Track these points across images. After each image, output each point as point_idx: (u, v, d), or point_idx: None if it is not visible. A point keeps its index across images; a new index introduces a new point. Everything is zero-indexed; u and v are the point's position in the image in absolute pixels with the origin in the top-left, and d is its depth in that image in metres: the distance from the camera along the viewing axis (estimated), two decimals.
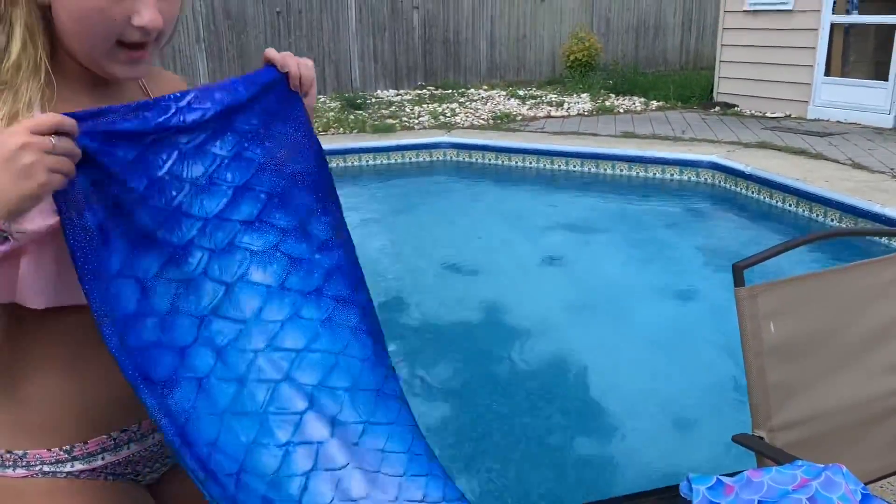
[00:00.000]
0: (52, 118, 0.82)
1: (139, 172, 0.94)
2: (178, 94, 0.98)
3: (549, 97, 10.89)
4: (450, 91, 11.98)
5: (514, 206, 6.78)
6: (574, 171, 7.39)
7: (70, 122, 0.84)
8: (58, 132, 0.83)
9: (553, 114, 9.68)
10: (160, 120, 0.95)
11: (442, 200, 6.99)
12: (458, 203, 6.92)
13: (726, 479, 1.02)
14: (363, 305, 1.09)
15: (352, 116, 9.43)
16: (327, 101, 11.08)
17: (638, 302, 4.58)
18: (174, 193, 0.97)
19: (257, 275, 1.01)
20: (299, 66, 1.07)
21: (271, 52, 1.05)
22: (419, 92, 12.09)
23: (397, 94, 11.90)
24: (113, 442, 1.02)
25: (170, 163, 0.97)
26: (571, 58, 12.26)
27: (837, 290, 1.61)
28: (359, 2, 12.04)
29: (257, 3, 11.33)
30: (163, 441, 1.08)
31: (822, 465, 1.04)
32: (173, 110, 0.96)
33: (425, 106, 10.39)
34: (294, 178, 1.07)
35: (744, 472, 1.03)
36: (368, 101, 10.86)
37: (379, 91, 12.21)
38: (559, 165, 7.47)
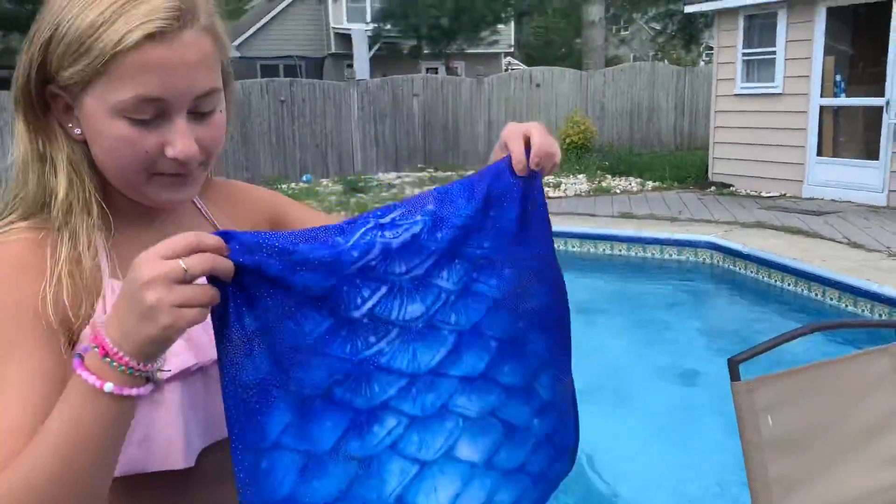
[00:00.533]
0: (185, 238, 0.71)
1: (322, 311, 0.74)
2: (381, 211, 0.79)
3: (546, 178, 11.07)
4: (449, 173, 12.21)
5: None
6: (573, 252, 7.47)
7: (214, 241, 0.71)
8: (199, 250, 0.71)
9: (550, 195, 9.84)
10: (358, 245, 0.75)
11: None
12: None
13: None
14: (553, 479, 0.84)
15: (353, 199, 9.60)
16: (329, 185, 11.28)
17: (640, 385, 4.57)
18: (372, 340, 0.76)
19: (465, 450, 0.79)
20: (529, 134, 0.94)
21: (508, 131, 0.94)
22: (419, 174, 12.32)
23: (398, 177, 12.13)
24: None
25: (374, 300, 0.76)
26: (567, 140, 12.54)
27: (833, 382, 1.64)
28: (360, 90, 12.41)
29: (263, 92, 11.67)
30: None
31: None
32: (375, 231, 0.76)
33: (425, 188, 10.56)
34: (531, 317, 0.87)
35: None
36: (370, 185, 11.06)
37: (380, 174, 12.44)
38: (558, 246, 7.50)
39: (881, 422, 1.66)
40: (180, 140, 0.82)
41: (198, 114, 0.84)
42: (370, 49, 18.89)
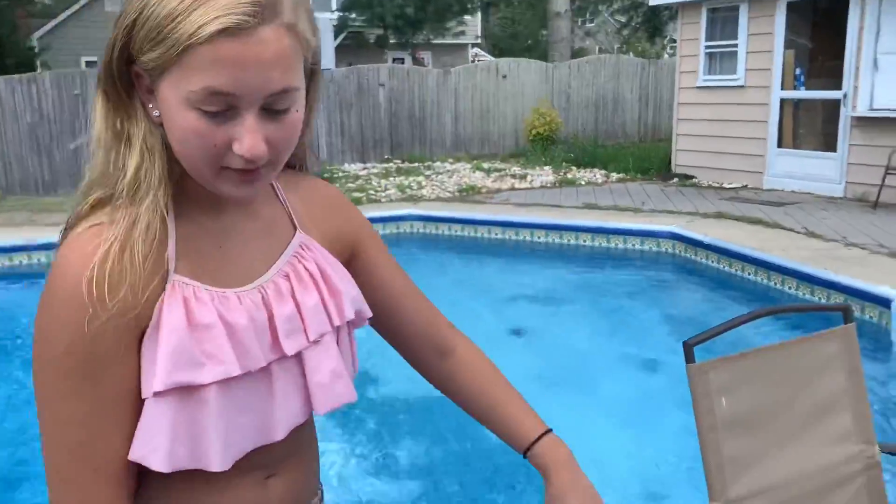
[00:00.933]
0: None
1: None
2: None
3: (512, 169, 11.14)
4: (416, 164, 12.19)
5: (480, 278, 6.84)
6: (538, 243, 7.52)
7: None
8: None
9: (517, 186, 9.89)
10: None
11: (409, 272, 7.04)
12: (424, 274, 6.96)
13: None
14: None
15: None
16: None
17: (603, 372, 4.63)
18: None
19: None
20: None
21: None
22: (385, 165, 12.29)
23: (364, 168, 12.08)
24: None
25: None
26: (533, 132, 12.60)
27: (784, 364, 1.68)
28: (326, 79, 12.32)
29: None
30: None
31: None
32: None
33: (391, 179, 10.55)
34: None
35: None
36: (335, 175, 11.00)
37: (346, 164, 12.38)
38: (524, 237, 7.60)
39: (830, 402, 1.71)
40: (248, 137, 0.80)
41: (271, 111, 0.82)
42: (335, 38, 18.74)
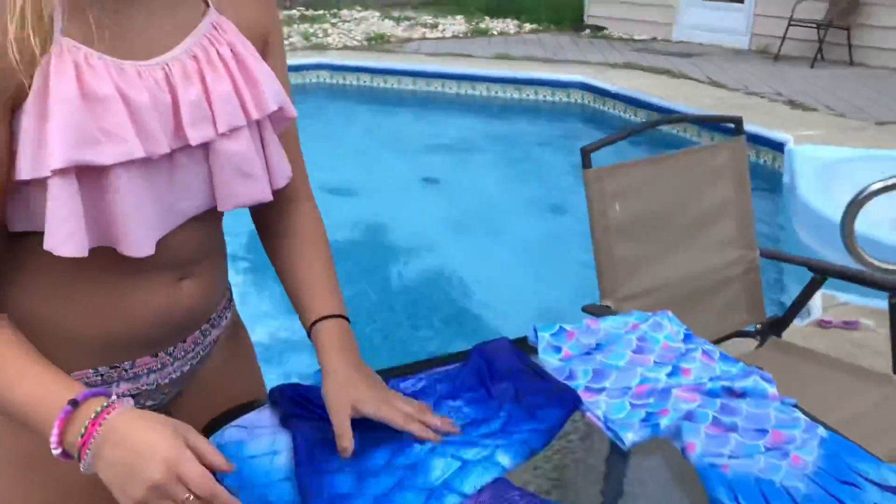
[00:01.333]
0: (210, 456, 0.73)
1: None
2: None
3: (423, 18, 10.78)
4: (321, 12, 11.63)
5: (391, 128, 6.75)
6: (450, 93, 7.41)
7: (220, 461, 0.74)
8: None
9: (428, 35, 9.61)
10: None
11: (316, 123, 6.86)
12: (332, 125, 6.81)
13: (568, 326, 1.11)
14: None
15: None
16: None
17: (511, 216, 4.73)
18: None
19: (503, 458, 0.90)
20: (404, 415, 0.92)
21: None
22: (289, 13, 11.66)
23: None
24: (100, 378, 0.89)
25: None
26: None
27: (675, 172, 1.74)
28: None
29: None
30: (158, 383, 0.95)
31: (652, 313, 1.15)
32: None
33: (296, 27, 10.05)
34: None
35: (584, 321, 1.12)
36: None
37: None
38: (435, 87, 7.47)
39: (717, 209, 1.79)
40: None
41: None
42: None
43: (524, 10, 10.99)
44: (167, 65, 0.79)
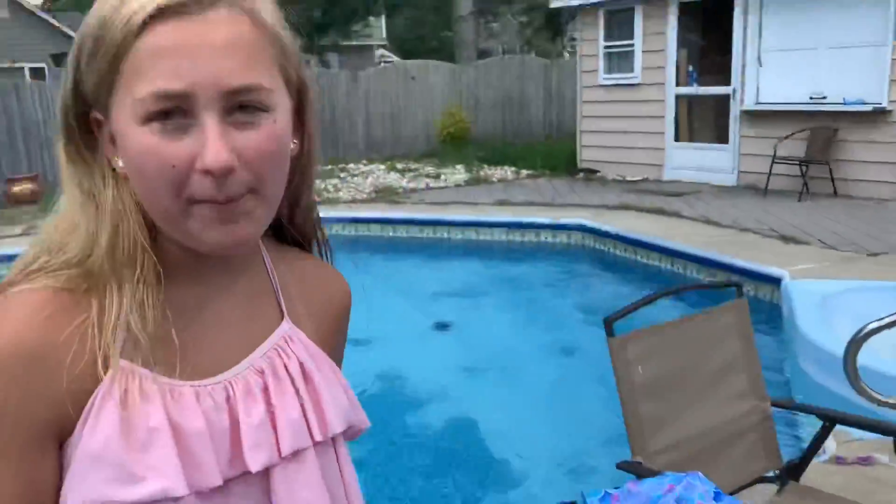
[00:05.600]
0: None
1: None
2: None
3: (426, 169, 11.36)
4: (329, 167, 12.24)
5: (401, 276, 7.01)
6: (456, 239, 7.75)
7: None
8: None
9: (432, 185, 10.12)
10: None
11: None
12: (346, 275, 7.08)
13: (612, 491, 1.27)
14: None
15: None
16: None
17: (524, 359, 4.88)
18: None
19: None
20: None
21: None
22: None
23: None
24: None
25: None
26: (445, 132, 12.88)
27: (689, 334, 1.94)
28: None
29: None
30: None
31: (684, 473, 1.31)
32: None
33: None
34: None
35: (625, 485, 1.28)
36: None
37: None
38: (442, 234, 7.83)
39: (728, 365, 1.98)
40: (210, 146, 0.64)
41: (239, 120, 0.66)
42: None
43: (520, 157, 11.60)
44: (230, 383, 0.74)
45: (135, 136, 0.66)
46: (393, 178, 10.72)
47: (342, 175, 11.22)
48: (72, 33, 23.66)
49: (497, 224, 7.62)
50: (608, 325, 1.79)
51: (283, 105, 0.71)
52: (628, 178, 9.98)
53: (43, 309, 0.68)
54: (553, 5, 11.51)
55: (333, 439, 0.80)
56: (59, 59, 17.67)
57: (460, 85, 14.37)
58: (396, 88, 13.76)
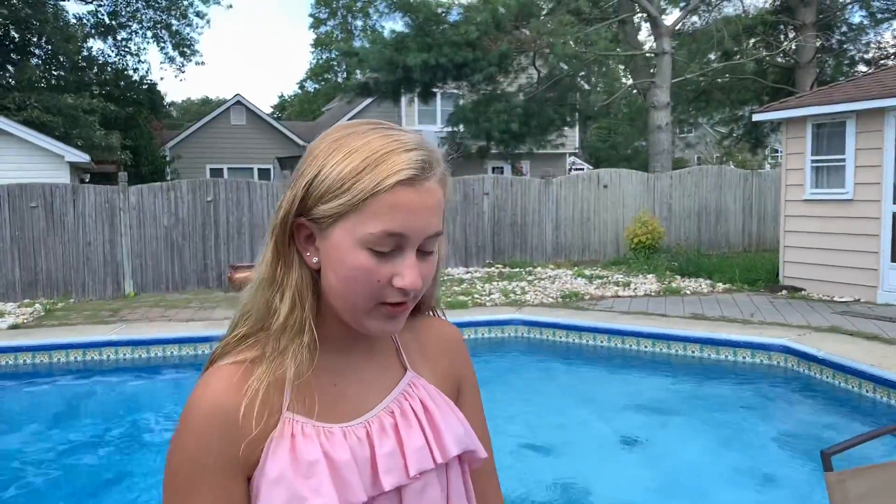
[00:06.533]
0: None
1: None
2: None
3: (615, 277, 11.24)
4: (517, 269, 12.48)
5: (587, 385, 6.91)
6: (645, 352, 7.55)
7: None
8: None
9: (620, 294, 9.98)
10: None
11: (514, 377, 7.19)
12: (529, 380, 7.10)
13: None
14: None
15: None
16: None
17: (716, 486, 4.59)
18: None
19: None
20: None
21: None
22: (488, 270, 12.63)
23: (467, 272, 12.45)
24: None
25: None
26: (635, 240, 12.73)
27: None
28: None
29: None
30: None
31: None
32: None
33: (495, 283, 10.84)
34: None
35: None
36: (441, 279, 11.37)
37: (450, 269, 12.80)
38: (630, 345, 7.66)
39: None
40: (409, 271, 0.91)
41: (422, 252, 0.94)
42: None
43: (716, 270, 11.17)
44: (368, 422, 0.98)
45: (355, 254, 0.92)
46: (580, 284, 10.71)
47: (529, 278, 11.38)
48: (295, 138, 26.34)
49: (690, 339, 7.34)
50: (826, 458, 1.70)
51: (443, 240, 0.98)
52: (836, 299, 9.29)
53: (231, 378, 0.94)
54: (756, 118, 11.27)
55: (448, 464, 1.02)
56: (283, 162, 19.67)
57: (653, 193, 14.27)
58: (587, 195, 13.91)
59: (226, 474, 0.93)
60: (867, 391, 5.89)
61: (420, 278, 0.93)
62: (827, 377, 6.30)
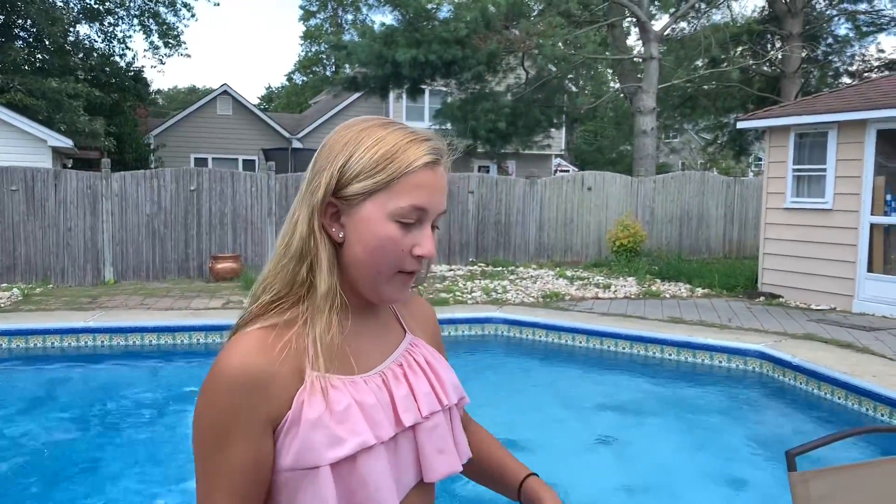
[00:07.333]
0: None
1: None
2: None
3: (596, 279, 11.31)
4: (500, 268, 12.52)
5: (565, 384, 6.95)
6: (623, 353, 7.61)
7: None
8: None
9: (600, 295, 10.05)
10: None
11: (493, 375, 7.22)
12: (508, 377, 7.14)
13: None
14: None
15: None
16: None
17: (688, 486, 4.65)
18: None
19: None
20: None
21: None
22: (470, 268, 12.66)
23: (450, 269, 12.48)
24: None
25: None
26: (617, 243, 12.81)
27: (882, 480, 1.82)
28: None
29: None
30: None
31: None
32: None
33: (477, 282, 10.88)
34: None
35: None
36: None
37: (433, 266, 12.80)
38: (608, 346, 7.71)
39: None
40: (428, 241, 1.09)
41: (433, 227, 1.12)
42: None
43: (696, 275, 11.27)
44: (383, 372, 1.14)
45: (384, 226, 1.07)
46: (561, 284, 10.77)
47: (511, 277, 11.43)
48: (281, 130, 26.10)
49: (668, 342, 7.41)
50: (790, 458, 1.73)
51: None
52: (813, 307, 9.41)
53: (264, 340, 1.05)
54: (741, 126, 11.37)
55: (451, 407, 1.20)
56: (268, 153, 19.57)
57: (636, 197, 14.37)
58: (571, 197, 13.99)
59: (257, 428, 1.02)
60: (839, 398, 5.97)
61: (434, 248, 1.10)
62: (801, 383, 6.39)
